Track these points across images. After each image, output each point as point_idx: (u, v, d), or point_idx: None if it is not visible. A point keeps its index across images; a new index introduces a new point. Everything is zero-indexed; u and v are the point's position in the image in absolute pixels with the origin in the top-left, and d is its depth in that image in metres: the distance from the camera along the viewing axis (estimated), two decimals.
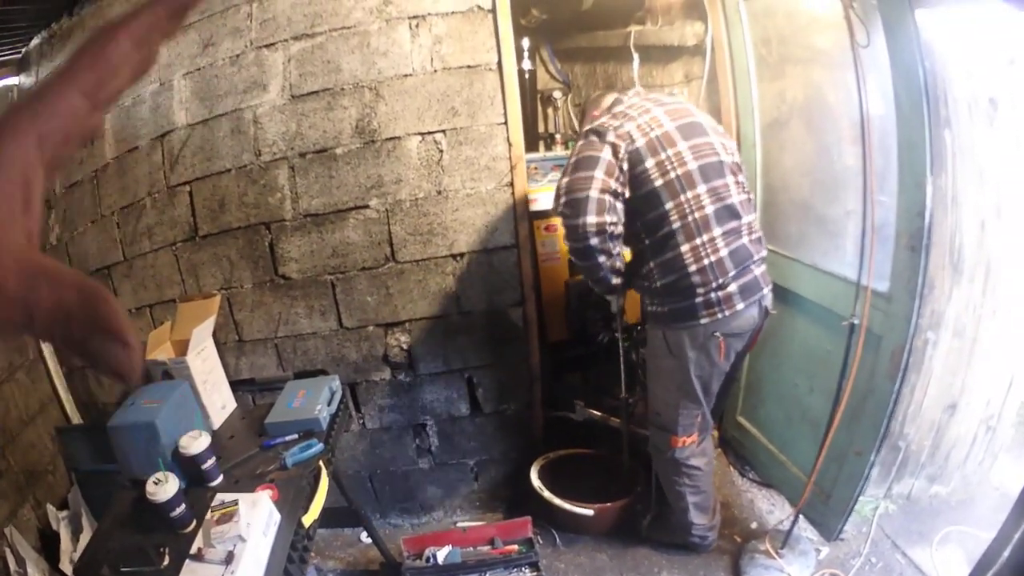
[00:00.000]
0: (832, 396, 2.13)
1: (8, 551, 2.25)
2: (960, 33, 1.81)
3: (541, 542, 2.47)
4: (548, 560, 2.41)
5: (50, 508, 2.53)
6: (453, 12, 2.22)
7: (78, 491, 2.66)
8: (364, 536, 2.66)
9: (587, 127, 1.97)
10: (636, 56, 2.90)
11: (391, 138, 2.29)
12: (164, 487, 1.45)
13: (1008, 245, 1.99)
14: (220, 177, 2.38)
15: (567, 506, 2.40)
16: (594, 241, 1.87)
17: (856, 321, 2.01)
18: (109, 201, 2.57)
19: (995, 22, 1.82)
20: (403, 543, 2.39)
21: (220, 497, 1.50)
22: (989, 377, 2.18)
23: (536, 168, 2.83)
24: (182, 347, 2.01)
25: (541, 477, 2.54)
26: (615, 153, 1.86)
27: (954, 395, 2.19)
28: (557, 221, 2.24)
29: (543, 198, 2.59)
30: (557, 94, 3.27)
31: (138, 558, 1.42)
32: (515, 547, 2.37)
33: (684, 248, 1.88)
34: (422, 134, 2.29)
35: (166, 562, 1.40)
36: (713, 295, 1.89)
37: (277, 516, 1.51)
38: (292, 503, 1.60)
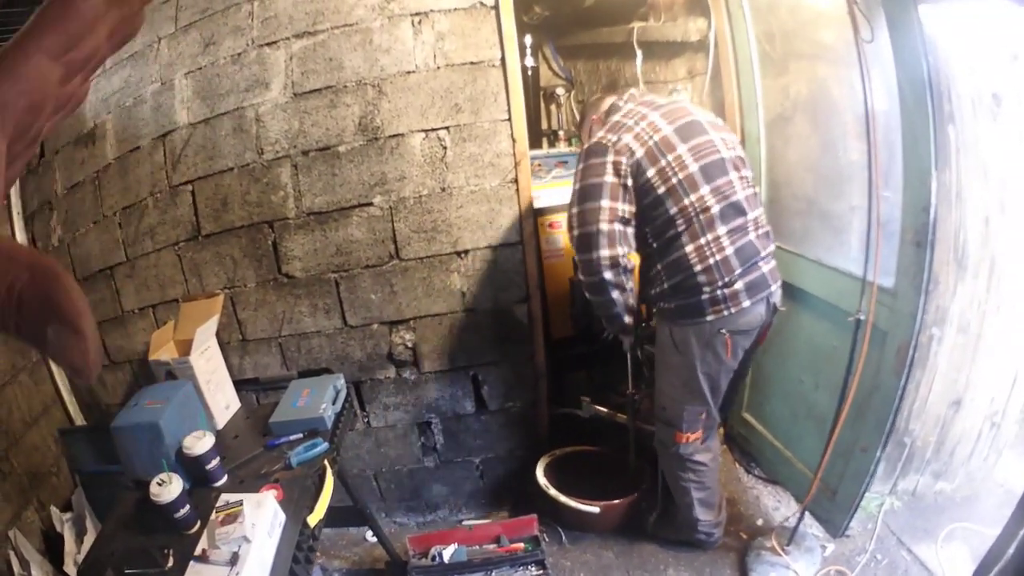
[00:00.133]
0: (838, 392, 2.12)
1: (12, 554, 2.24)
2: (963, 29, 1.81)
3: (547, 540, 2.47)
4: (554, 558, 2.41)
5: (54, 510, 2.52)
6: (456, 9, 2.21)
7: (82, 493, 2.65)
8: (369, 535, 2.65)
9: (586, 145, 2.00)
10: (639, 52, 2.89)
11: (394, 135, 2.29)
12: (168, 488, 1.45)
13: (1012, 241, 1.99)
14: (222, 176, 2.37)
15: (573, 503, 2.40)
16: (608, 275, 1.92)
17: (862, 317, 2.01)
18: (111, 202, 2.56)
19: (998, 18, 1.83)
20: (409, 542, 2.39)
21: (225, 497, 1.49)
22: (993, 373, 2.18)
23: (540, 165, 2.83)
24: (185, 347, 2.01)
25: (547, 475, 2.54)
26: (617, 172, 1.88)
27: (959, 391, 2.19)
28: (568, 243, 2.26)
29: (547, 195, 2.59)
30: (560, 91, 3.26)
31: (142, 560, 1.41)
32: (521, 545, 2.37)
33: (689, 248, 1.88)
34: (425, 131, 2.29)
35: (170, 563, 1.39)
36: (719, 292, 1.89)
37: (282, 516, 1.51)
38: (297, 503, 1.59)
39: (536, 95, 3.23)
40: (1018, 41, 1.83)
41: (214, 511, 1.45)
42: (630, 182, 1.88)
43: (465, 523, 2.63)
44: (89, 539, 2.46)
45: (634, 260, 2.01)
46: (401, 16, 2.22)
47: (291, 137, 2.30)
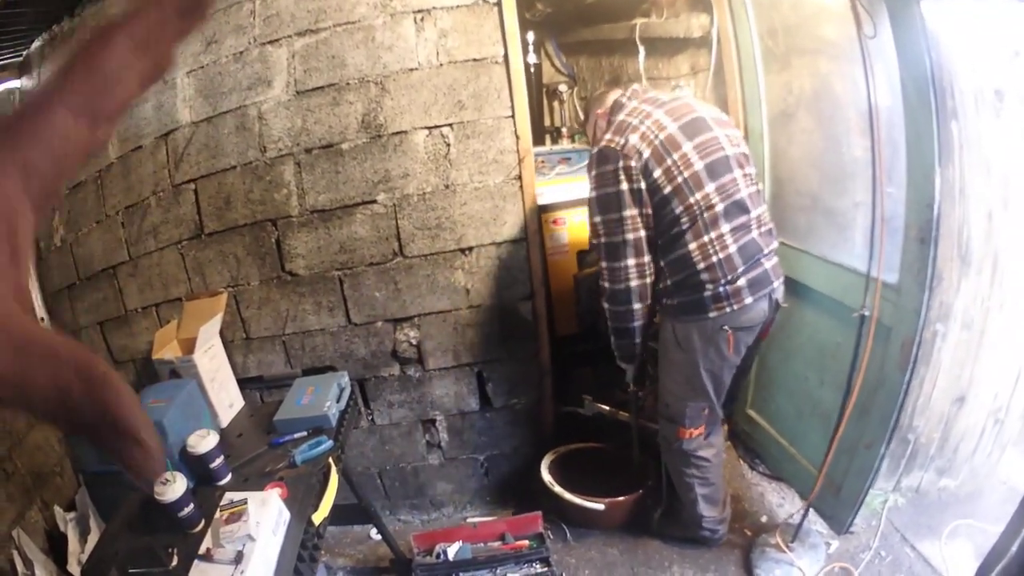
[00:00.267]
0: (842, 388, 2.12)
1: (16, 553, 2.24)
2: (965, 25, 1.80)
3: (552, 537, 2.46)
4: (559, 555, 2.41)
5: (57, 510, 2.53)
6: (458, 6, 2.21)
7: (85, 492, 2.66)
8: (374, 533, 2.66)
9: (594, 148, 2.00)
10: (642, 49, 2.89)
11: (397, 132, 2.28)
12: (172, 487, 1.43)
13: (1015, 237, 1.98)
14: (225, 174, 2.37)
15: (578, 501, 2.40)
16: (635, 283, 1.95)
17: (866, 313, 2.01)
18: (113, 201, 2.56)
19: (1000, 14, 1.82)
20: (413, 539, 2.38)
21: (229, 496, 1.48)
22: (997, 370, 2.18)
23: (543, 161, 2.82)
24: (189, 345, 2.00)
25: (551, 472, 2.54)
26: (629, 177, 1.88)
27: (962, 387, 2.18)
28: (565, 212, 2.20)
29: (551, 191, 2.59)
30: (563, 87, 3.26)
31: (146, 559, 1.41)
32: (526, 542, 2.36)
33: (692, 246, 1.89)
34: (429, 128, 2.29)
35: (174, 563, 1.38)
36: (722, 290, 1.90)
37: (287, 514, 1.50)
38: (302, 501, 1.59)
39: (539, 92, 3.23)
40: (1020, 37, 1.83)
41: (218, 510, 1.44)
42: (642, 184, 1.89)
43: (469, 520, 2.63)
44: (93, 539, 2.46)
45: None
46: (403, 13, 2.22)
47: (294, 135, 2.30)
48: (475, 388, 2.60)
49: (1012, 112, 1.87)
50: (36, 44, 2.78)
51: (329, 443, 1.76)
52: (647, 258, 1.95)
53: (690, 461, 2.18)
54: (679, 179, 1.86)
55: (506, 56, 2.24)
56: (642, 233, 1.92)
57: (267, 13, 2.25)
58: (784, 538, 2.24)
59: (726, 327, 1.93)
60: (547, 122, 3.36)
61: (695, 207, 1.87)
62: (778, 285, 1.99)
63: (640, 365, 2.21)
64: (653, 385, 2.31)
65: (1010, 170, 1.92)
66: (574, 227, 2.68)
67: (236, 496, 1.48)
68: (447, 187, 2.33)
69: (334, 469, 1.74)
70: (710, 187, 1.87)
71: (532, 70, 3.04)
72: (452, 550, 2.33)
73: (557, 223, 2.66)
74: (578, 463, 2.62)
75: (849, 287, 2.12)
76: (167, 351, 2.02)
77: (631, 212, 1.90)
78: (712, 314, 1.93)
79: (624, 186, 1.89)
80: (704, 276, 1.89)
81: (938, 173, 1.78)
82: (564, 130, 3.22)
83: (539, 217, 2.47)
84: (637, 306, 1.99)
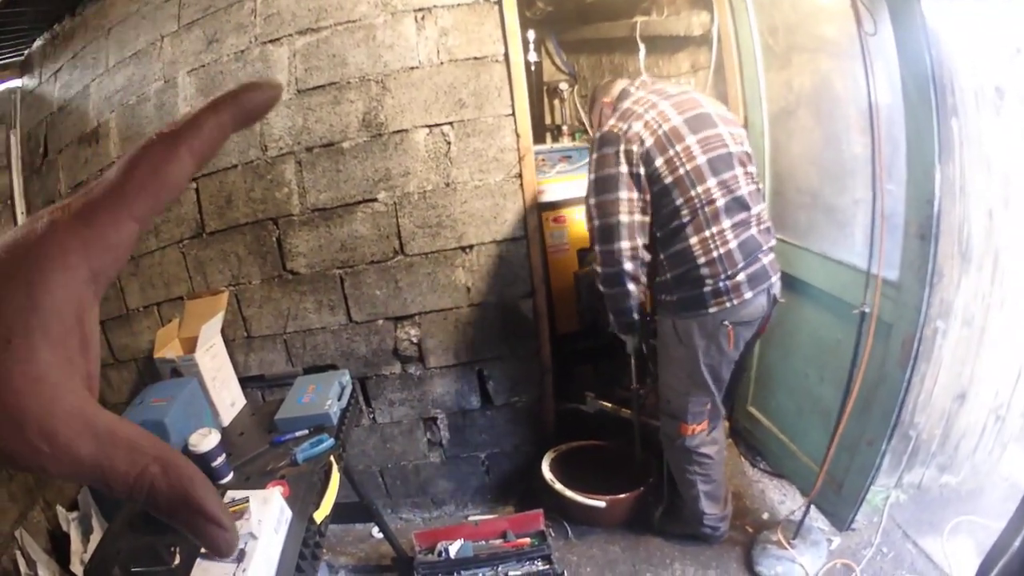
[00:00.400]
0: (843, 385, 2.12)
1: (19, 553, 2.24)
2: (966, 22, 1.80)
3: (553, 535, 2.46)
4: (560, 553, 2.40)
5: (60, 509, 2.53)
6: (459, 4, 2.21)
7: (88, 492, 2.65)
8: (376, 531, 2.65)
9: (597, 133, 2.00)
10: (642, 47, 2.89)
11: (398, 131, 2.29)
12: (207, 439, 1.58)
13: (1016, 235, 1.98)
14: (227, 173, 2.37)
15: (579, 498, 2.40)
16: (628, 266, 1.93)
17: (867, 309, 2.01)
18: None
19: (1001, 11, 1.82)
20: (415, 537, 2.38)
21: (231, 494, 1.48)
22: (998, 367, 2.18)
23: (544, 160, 2.83)
24: (190, 344, 2.01)
25: (553, 469, 2.54)
26: (629, 161, 1.88)
27: (963, 384, 2.18)
28: (567, 210, 2.20)
29: (551, 189, 2.59)
30: (563, 86, 3.26)
31: (149, 558, 1.41)
32: (527, 540, 2.36)
33: (693, 240, 1.89)
34: (429, 126, 2.29)
35: (177, 561, 1.39)
36: (722, 284, 1.90)
37: (288, 512, 1.50)
38: (303, 499, 1.59)
39: (539, 90, 3.24)
40: (1021, 34, 1.83)
41: None
42: (641, 170, 1.89)
43: (471, 518, 2.63)
44: (95, 538, 2.46)
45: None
46: (404, 12, 2.22)
47: (295, 134, 2.30)
48: (476, 386, 2.60)
49: (1013, 110, 1.87)
50: (37, 43, 2.78)
51: (330, 441, 1.77)
52: (640, 242, 1.93)
53: (692, 458, 2.18)
54: (681, 170, 1.86)
55: (506, 54, 2.25)
56: (637, 217, 1.91)
57: (268, 12, 2.26)
58: (785, 535, 2.24)
59: (727, 322, 1.94)
60: (548, 120, 3.36)
61: (696, 200, 1.87)
62: (776, 280, 2.00)
63: (641, 338, 2.20)
64: (654, 383, 2.31)
65: (1011, 167, 1.92)
66: (575, 225, 2.68)
67: (238, 494, 1.48)
68: (448, 185, 2.34)
69: (335, 467, 1.74)
70: (712, 181, 1.87)
71: (533, 68, 3.05)
72: (454, 548, 2.34)
73: (558, 221, 2.67)
74: (579, 461, 2.62)
75: (849, 284, 2.13)
76: (169, 350, 2.02)
77: (628, 195, 1.89)
78: (712, 309, 1.93)
79: (623, 169, 1.89)
80: (705, 271, 1.90)
81: (938, 170, 1.78)
82: (565, 128, 3.23)
83: (539, 215, 2.48)
84: (631, 287, 1.98)
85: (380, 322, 2.48)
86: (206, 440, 1.61)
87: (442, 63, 2.24)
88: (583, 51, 3.38)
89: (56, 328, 0.25)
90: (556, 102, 3.32)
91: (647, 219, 1.94)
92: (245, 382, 2.23)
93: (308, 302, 2.47)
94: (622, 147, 1.89)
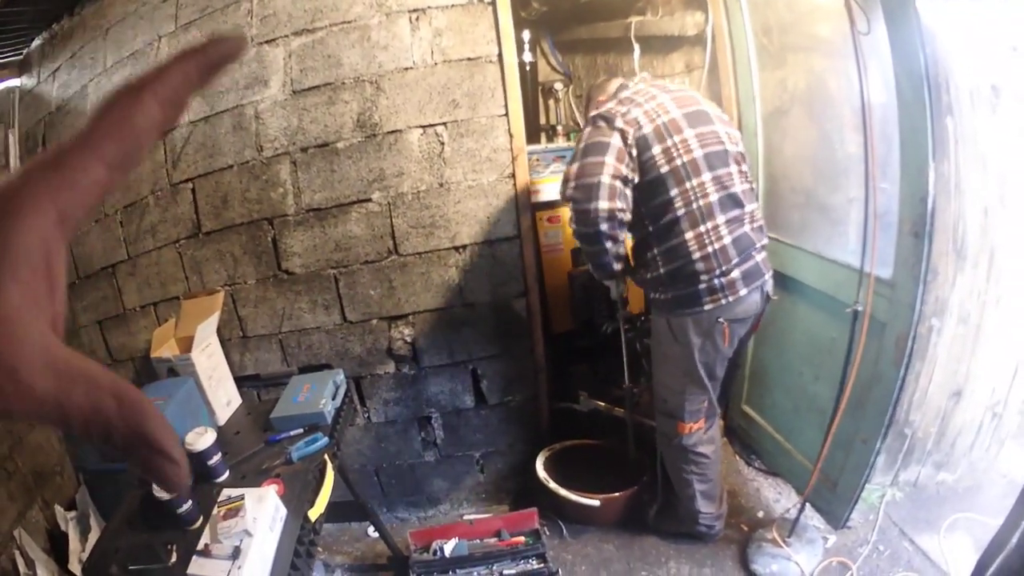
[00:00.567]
0: (837, 384, 2.12)
1: (17, 552, 2.25)
2: (961, 20, 1.80)
3: (548, 533, 2.47)
4: (555, 551, 2.41)
5: (58, 509, 2.54)
6: (453, 5, 2.22)
7: (86, 491, 2.67)
8: (371, 530, 2.67)
9: (593, 113, 1.97)
10: (637, 47, 2.89)
11: (392, 131, 2.29)
12: (203, 437, 1.57)
13: (1011, 232, 1.98)
14: (222, 173, 2.38)
15: (573, 497, 2.41)
16: (604, 227, 1.86)
17: (860, 308, 2.01)
18: (112, 200, 2.57)
19: (996, 9, 1.82)
20: (410, 536, 2.39)
21: (226, 492, 1.50)
22: (994, 364, 2.18)
23: (538, 160, 2.83)
24: (186, 344, 2.01)
25: (547, 468, 2.55)
26: (624, 139, 1.86)
27: (959, 382, 2.18)
28: (566, 207, 2.19)
29: (545, 189, 2.59)
30: (558, 86, 3.27)
31: (146, 556, 1.41)
32: (522, 539, 2.37)
33: (688, 235, 1.88)
34: (423, 127, 2.29)
35: (174, 559, 1.40)
36: (716, 281, 1.90)
37: (283, 511, 1.51)
38: (298, 497, 1.59)
39: (534, 90, 3.24)
40: (1017, 32, 1.83)
41: (216, 506, 1.45)
42: (635, 152, 1.86)
43: (466, 517, 2.64)
44: (93, 537, 2.47)
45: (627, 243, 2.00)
46: (399, 13, 2.22)
47: (290, 134, 2.31)
48: (470, 385, 2.60)
49: (1009, 108, 1.87)
50: (36, 42, 2.79)
51: (325, 440, 1.77)
52: (619, 204, 1.84)
53: (689, 457, 2.18)
54: (677, 161, 1.86)
55: (500, 55, 2.25)
56: (619, 184, 1.83)
57: (264, 13, 2.26)
58: (781, 533, 2.24)
59: (722, 319, 1.94)
60: (543, 120, 3.37)
61: (690, 193, 1.86)
62: (768, 278, 2.00)
63: (622, 282, 2.16)
64: (647, 382, 2.32)
65: (1006, 165, 1.92)
66: (569, 225, 2.68)
67: (233, 492, 1.49)
68: (441, 185, 2.34)
69: (330, 466, 1.75)
70: (707, 176, 1.87)
71: (528, 68, 3.05)
72: (449, 547, 2.34)
73: (551, 220, 2.67)
74: (574, 459, 2.62)
75: (842, 283, 2.13)
76: (165, 349, 2.03)
77: (615, 162, 1.83)
78: (707, 307, 1.93)
79: (616, 140, 1.85)
80: (699, 266, 1.89)
81: (932, 168, 1.78)
82: (560, 128, 3.23)
83: (533, 215, 2.48)
84: (608, 244, 1.92)
85: (374, 322, 2.49)
86: (202, 439, 1.62)
87: (436, 64, 2.25)
88: (578, 51, 3.38)
89: (24, 270, 0.25)
90: (551, 102, 3.33)
91: (629, 192, 1.88)
92: (241, 381, 2.23)
93: (303, 302, 2.47)
94: (618, 124, 1.86)
